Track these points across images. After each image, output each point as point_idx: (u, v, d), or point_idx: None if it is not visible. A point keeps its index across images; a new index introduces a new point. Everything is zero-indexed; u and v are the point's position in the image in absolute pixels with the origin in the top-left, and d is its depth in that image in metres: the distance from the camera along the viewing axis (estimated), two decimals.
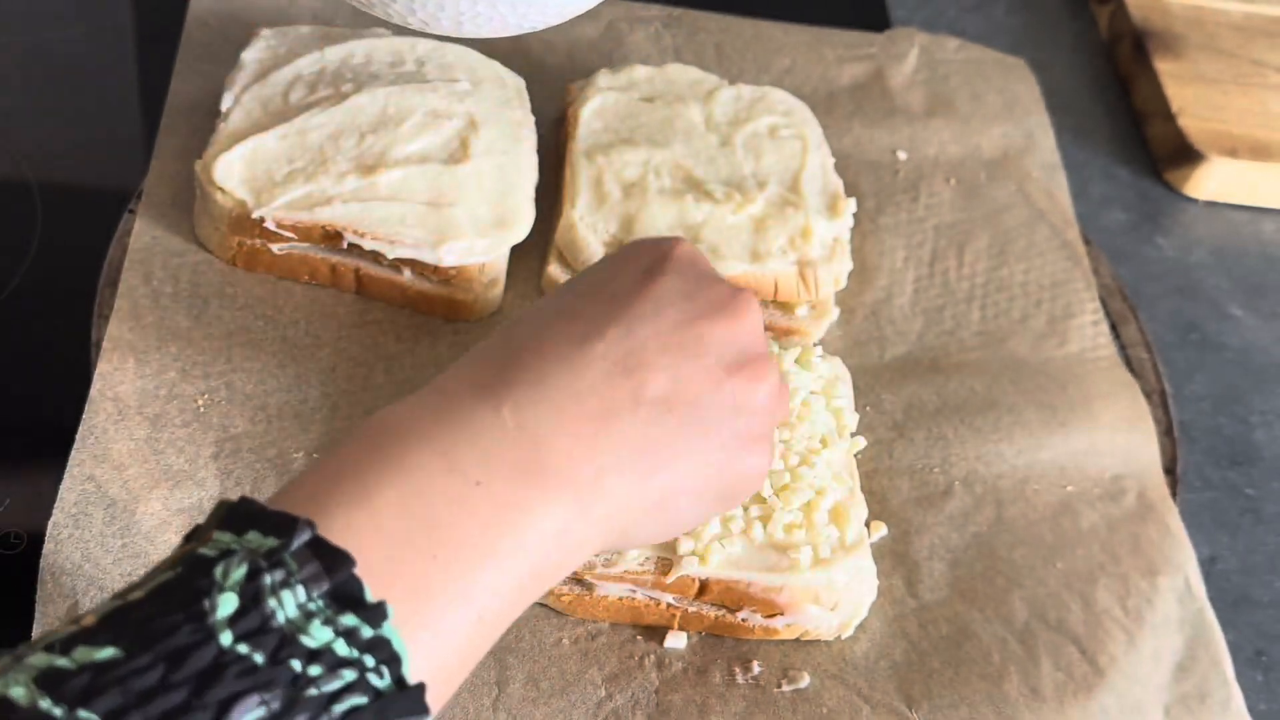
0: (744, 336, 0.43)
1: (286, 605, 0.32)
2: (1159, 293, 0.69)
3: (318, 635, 0.32)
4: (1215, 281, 0.71)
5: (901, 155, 0.72)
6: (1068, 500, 0.58)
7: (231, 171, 0.57)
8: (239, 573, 0.32)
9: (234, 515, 0.34)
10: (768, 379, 0.43)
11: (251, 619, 0.31)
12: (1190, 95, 0.76)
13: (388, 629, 0.32)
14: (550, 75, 0.71)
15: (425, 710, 0.33)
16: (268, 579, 0.32)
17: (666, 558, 0.49)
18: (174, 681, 0.30)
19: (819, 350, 0.57)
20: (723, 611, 0.51)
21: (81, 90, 0.69)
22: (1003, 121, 0.75)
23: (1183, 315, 0.68)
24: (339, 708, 0.31)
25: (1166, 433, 0.62)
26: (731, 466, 0.43)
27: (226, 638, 0.31)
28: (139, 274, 0.57)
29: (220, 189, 0.57)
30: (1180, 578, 0.55)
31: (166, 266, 0.58)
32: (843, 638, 0.52)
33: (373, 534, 0.34)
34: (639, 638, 0.51)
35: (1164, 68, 0.78)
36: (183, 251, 0.59)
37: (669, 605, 0.50)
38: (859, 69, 0.77)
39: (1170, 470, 0.60)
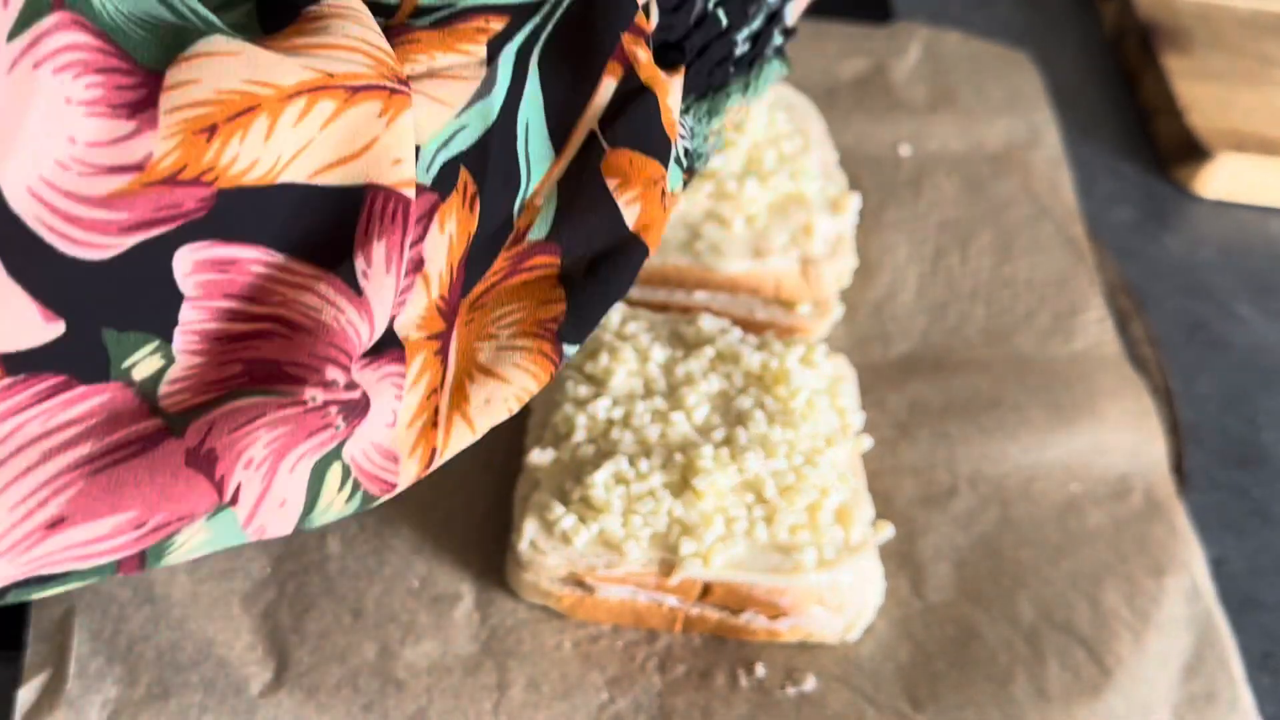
0: None
1: None
2: (1165, 291, 0.69)
3: None
4: (1222, 280, 0.70)
5: (904, 150, 0.72)
6: (1074, 499, 0.57)
7: None
8: None
9: None
10: None
11: None
12: (1198, 92, 0.76)
13: None
14: None
15: None
16: None
17: (669, 559, 0.49)
18: None
19: (823, 349, 0.56)
20: (726, 614, 0.50)
21: None
22: (1006, 116, 0.74)
23: (1189, 314, 0.68)
24: None
25: (1172, 430, 0.61)
26: None
27: None
28: None
29: None
30: (1187, 577, 0.55)
31: None
32: (848, 640, 0.51)
33: None
34: (641, 640, 0.50)
35: (1171, 64, 0.77)
36: None
37: (671, 607, 0.50)
38: (860, 63, 0.76)
39: (1176, 468, 0.60)
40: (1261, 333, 0.68)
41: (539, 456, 0.51)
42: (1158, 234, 0.72)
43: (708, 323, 0.57)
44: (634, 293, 0.60)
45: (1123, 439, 0.59)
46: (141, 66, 0.26)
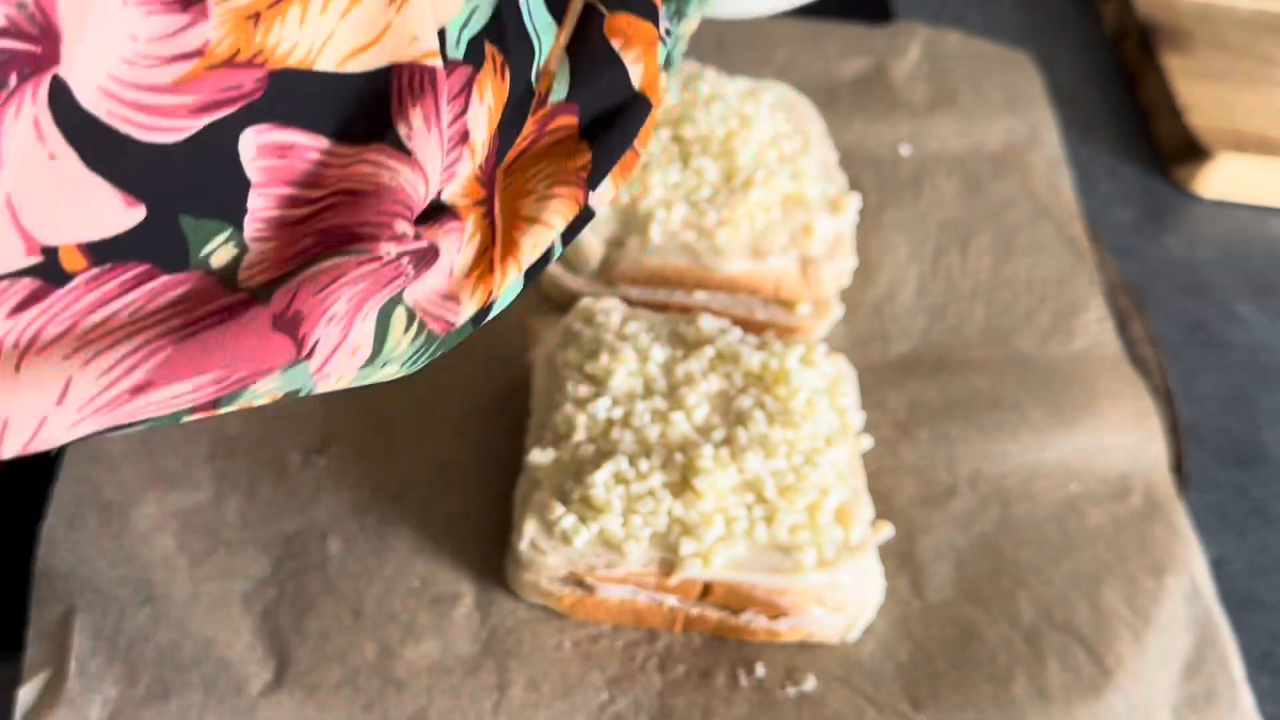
0: None
1: None
2: (1165, 291, 0.69)
3: None
4: (1222, 280, 0.70)
5: (904, 150, 0.72)
6: (1073, 499, 0.57)
7: None
8: None
9: None
10: None
11: None
12: (1198, 92, 0.76)
13: None
14: None
15: None
16: None
17: (669, 559, 0.49)
18: None
19: (823, 348, 0.56)
20: (726, 614, 0.50)
21: None
22: (1006, 116, 0.74)
23: (1189, 314, 0.68)
24: None
25: (1172, 430, 0.61)
26: None
27: None
28: None
29: None
30: (1187, 577, 0.55)
31: None
32: (849, 640, 0.51)
33: None
34: (641, 640, 0.50)
35: (1171, 64, 0.77)
36: None
37: (671, 607, 0.50)
38: (861, 63, 0.76)
39: (1177, 468, 0.60)
40: (1261, 332, 0.68)
41: (539, 456, 0.51)
42: (1158, 234, 0.72)
43: (708, 323, 0.57)
44: (634, 293, 0.60)
45: (1123, 439, 0.59)
46: None
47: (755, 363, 0.55)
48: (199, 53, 0.29)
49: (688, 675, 0.50)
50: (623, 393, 0.53)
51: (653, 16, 0.38)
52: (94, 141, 0.28)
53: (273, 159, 0.30)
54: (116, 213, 0.28)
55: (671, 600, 0.50)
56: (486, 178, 0.35)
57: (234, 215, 0.30)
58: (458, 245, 0.34)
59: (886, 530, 0.53)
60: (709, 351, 0.55)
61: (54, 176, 0.27)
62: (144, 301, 0.29)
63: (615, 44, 0.37)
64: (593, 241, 0.59)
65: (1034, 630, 0.52)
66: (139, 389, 0.29)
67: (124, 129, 0.28)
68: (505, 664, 0.49)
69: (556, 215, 0.36)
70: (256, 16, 0.29)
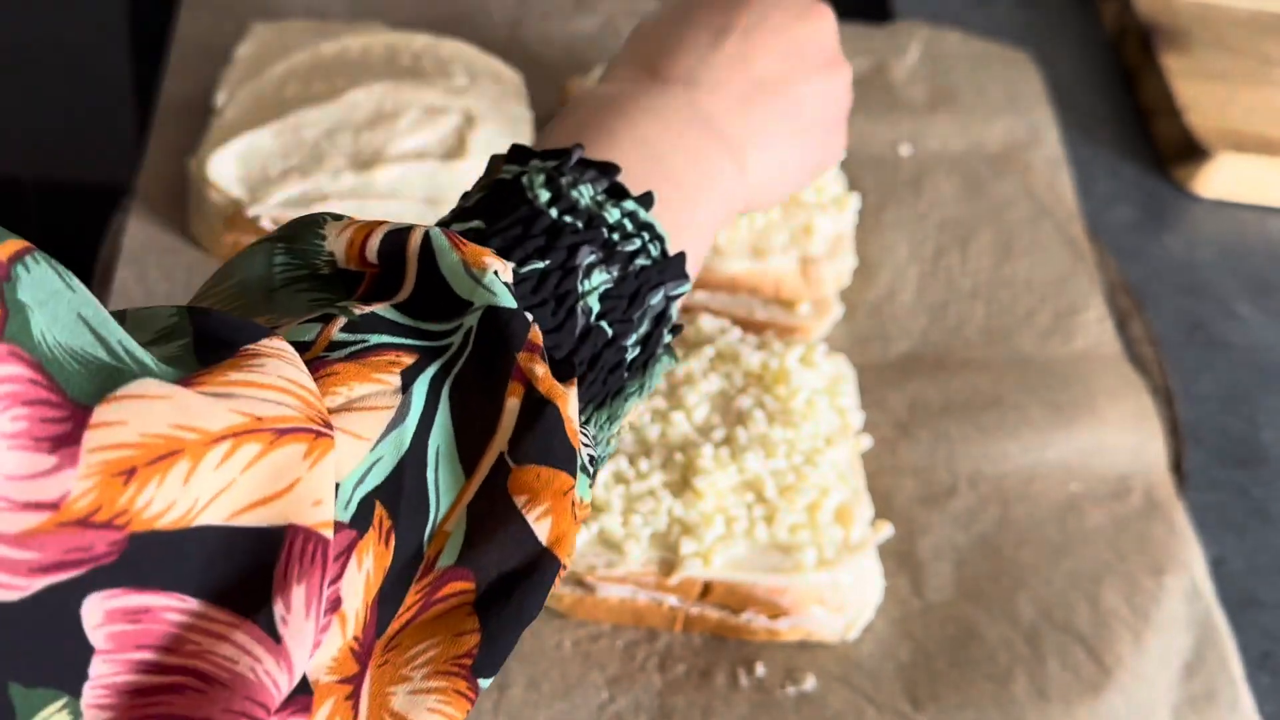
0: (827, 36, 0.49)
1: (584, 194, 0.39)
2: (1165, 291, 0.69)
3: (611, 214, 0.39)
4: (1222, 280, 0.70)
5: (904, 150, 0.72)
6: (1073, 499, 0.57)
7: (226, 169, 0.57)
8: (540, 178, 0.39)
9: (511, 155, 0.41)
10: (846, 70, 0.50)
11: (564, 202, 0.39)
12: (1197, 91, 0.76)
13: (651, 216, 0.40)
14: (548, 70, 0.70)
15: (688, 277, 0.41)
16: (563, 180, 0.39)
17: (669, 558, 0.49)
18: (533, 234, 0.38)
19: (823, 348, 0.56)
20: (726, 613, 0.50)
21: (75, 86, 0.69)
22: (1006, 115, 0.74)
23: (1189, 314, 0.68)
24: (636, 262, 0.39)
25: (1171, 430, 0.61)
26: (826, 144, 0.50)
27: (553, 212, 0.38)
28: (133, 272, 0.57)
29: (214, 186, 0.56)
30: (1187, 577, 0.55)
31: (160, 264, 0.57)
32: (848, 639, 0.51)
33: (623, 163, 0.41)
34: (641, 640, 0.50)
35: (1171, 64, 0.77)
36: (177, 249, 0.58)
37: (671, 607, 0.50)
38: (861, 62, 0.76)
39: (1176, 468, 0.60)
40: (1261, 332, 0.67)
41: None
42: (1157, 234, 0.72)
43: (708, 322, 0.57)
44: None
45: (1122, 438, 0.59)
46: (70, 400, 0.26)
47: (755, 362, 0.55)
48: (54, 505, 0.25)
49: (688, 675, 0.50)
50: None
51: (567, 463, 0.34)
52: None
53: (123, 624, 0.27)
54: None
55: (671, 600, 0.50)
56: (363, 650, 0.32)
57: (71, 684, 0.27)
58: None
59: (886, 530, 0.53)
60: (709, 351, 0.55)
61: None
62: None
63: (519, 500, 0.33)
64: None
65: (1034, 630, 0.52)
66: None
67: None
68: (505, 664, 0.49)
69: (432, 715, 0.33)
70: (130, 472, 0.26)
